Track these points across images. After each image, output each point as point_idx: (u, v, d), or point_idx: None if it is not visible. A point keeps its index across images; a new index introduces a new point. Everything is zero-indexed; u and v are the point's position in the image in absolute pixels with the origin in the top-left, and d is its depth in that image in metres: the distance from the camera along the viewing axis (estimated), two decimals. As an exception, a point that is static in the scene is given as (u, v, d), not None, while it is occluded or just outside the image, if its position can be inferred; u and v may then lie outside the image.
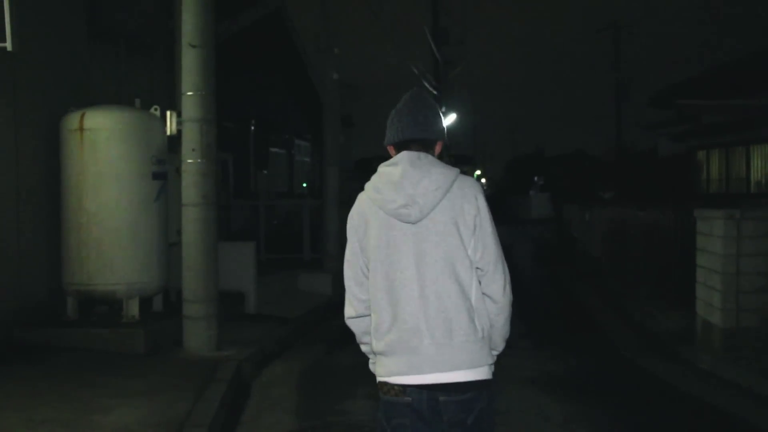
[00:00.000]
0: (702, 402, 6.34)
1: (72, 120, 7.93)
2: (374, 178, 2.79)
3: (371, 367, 2.85)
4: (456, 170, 2.70)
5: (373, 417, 3.51)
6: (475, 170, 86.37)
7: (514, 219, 42.00)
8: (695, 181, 22.71)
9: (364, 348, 2.89)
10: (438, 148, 2.80)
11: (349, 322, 2.86)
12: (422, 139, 2.76)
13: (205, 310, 7.61)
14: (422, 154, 2.72)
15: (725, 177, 21.09)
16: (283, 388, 6.91)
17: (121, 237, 7.88)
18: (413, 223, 2.66)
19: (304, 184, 23.71)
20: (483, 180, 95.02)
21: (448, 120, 40.68)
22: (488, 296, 2.70)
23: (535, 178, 46.86)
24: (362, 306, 2.79)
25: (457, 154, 56.76)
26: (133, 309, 7.92)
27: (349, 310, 2.83)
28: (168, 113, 8.05)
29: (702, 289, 8.00)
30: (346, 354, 8.29)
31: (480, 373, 2.65)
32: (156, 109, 8.35)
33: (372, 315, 2.75)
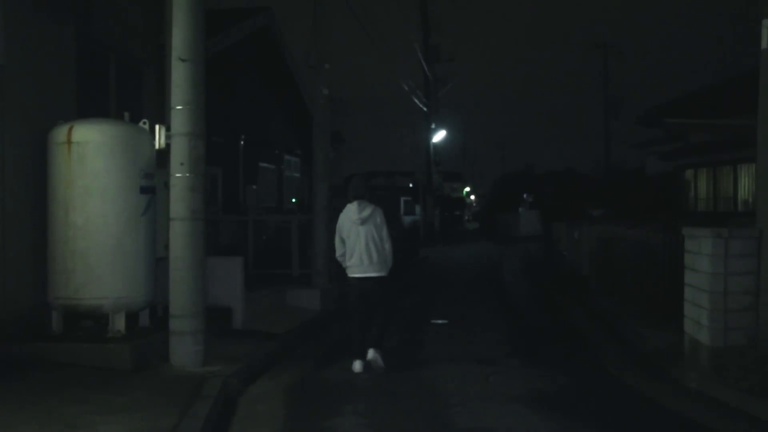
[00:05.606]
0: (690, 421, 6.32)
1: (60, 133, 7.90)
2: (347, 206, 8.33)
3: (343, 265, 8.39)
4: (374, 206, 8.33)
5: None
6: (464, 187, 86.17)
7: (503, 236, 41.95)
8: (683, 200, 22.82)
9: (343, 265, 8.34)
10: (367, 197, 8.32)
11: (339, 258, 8.40)
12: (362, 195, 8.33)
13: (191, 325, 7.58)
14: (364, 202, 8.29)
15: (713, 196, 21.19)
16: (269, 404, 6.86)
17: (108, 251, 7.83)
18: (360, 225, 8.17)
19: (294, 200, 23.67)
20: (472, 197, 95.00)
21: (437, 137, 40.81)
22: (385, 248, 8.23)
23: (525, 196, 46.94)
24: (342, 251, 8.29)
25: (446, 171, 56.53)
26: (120, 324, 7.86)
27: (339, 252, 8.35)
28: (157, 127, 8.03)
29: (690, 307, 8.01)
30: (333, 370, 8.25)
31: (383, 274, 8.26)
32: (145, 123, 8.32)
33: (346, 252, 8.24)
